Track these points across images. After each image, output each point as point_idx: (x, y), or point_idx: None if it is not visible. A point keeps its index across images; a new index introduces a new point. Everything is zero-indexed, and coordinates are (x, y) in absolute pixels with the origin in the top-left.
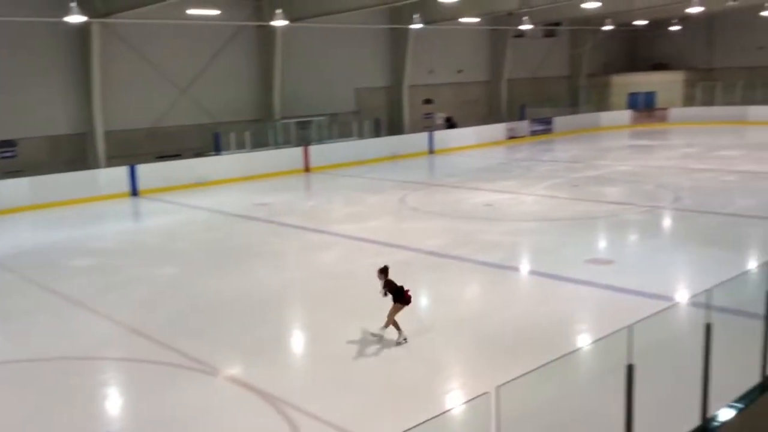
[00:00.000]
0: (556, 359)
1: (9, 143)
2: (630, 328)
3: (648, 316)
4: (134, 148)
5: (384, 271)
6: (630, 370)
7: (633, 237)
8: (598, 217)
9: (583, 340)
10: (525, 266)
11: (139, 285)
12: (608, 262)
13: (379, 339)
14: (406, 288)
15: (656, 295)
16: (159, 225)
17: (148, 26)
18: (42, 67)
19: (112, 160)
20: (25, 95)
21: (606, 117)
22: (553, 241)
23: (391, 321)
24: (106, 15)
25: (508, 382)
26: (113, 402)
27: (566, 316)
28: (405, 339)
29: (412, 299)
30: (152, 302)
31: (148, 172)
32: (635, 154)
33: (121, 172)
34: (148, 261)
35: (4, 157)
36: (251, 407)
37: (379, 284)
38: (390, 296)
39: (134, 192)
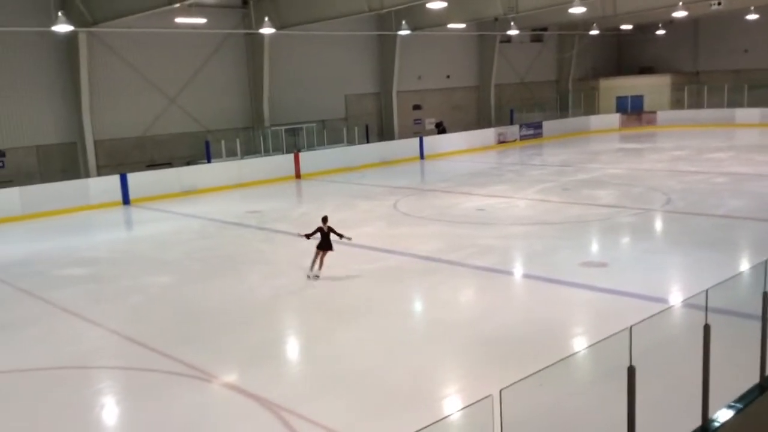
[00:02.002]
0: (558, 362)
1: None
2: (630, 330)
3: (647, 318)
4: (124, 157)
5: (324, 220)
6: (631, 372)
7: (626, 240)
8: (590, 220)
9: (580, 343)
10: (519, 270)
11: (133, 294)
12: (602, 264)
13: (316, 279)
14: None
15: (651, 297)
16: (151, 234)
17: (136, 35)
18: (30, 77)
19: (103, 169)
20: (13, 105)
21: (595, 121)
22: (547, 245)
23: (321, 262)
24: (94, 24)
25: (510, 385)
26: (109, 410)
27: (562, 319)
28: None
29: (333, 247)
30: (146, 311)
31: (139, 180)
32: (625, 157)
33: (112, 181)
34: (140, 270)
35: None
36: (248, 413)
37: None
38: (310, 240)
39: (126, 201)
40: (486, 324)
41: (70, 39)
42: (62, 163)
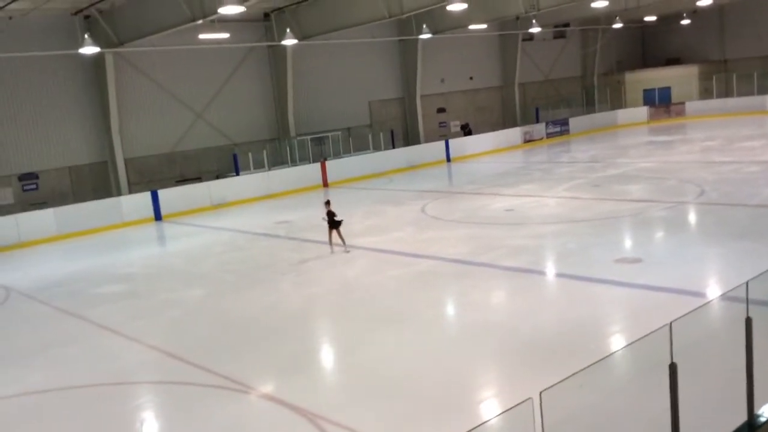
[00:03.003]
0: (598, 361)
1: (31, 176)
2: (670, 327)
3: (687, 313)
4: (155, 174)
5: (327, 203)
6: (673, 369)
7: (660, 234)
8: (623, 215)
9: (618, 342)
10: (552, 269)
11: (169, 308)
12: (637, 260)
13: (348, 251)
14: (338, 218)
15: (689, 291)
16: (184, 248)
17: (161, 53)
18: (59, 100)
19: (134, 187)
20: (44, 128)
21: (622, 115)
22: (580, 243)
23: (341, 239)
24: (119, 44)
25: (550, 387)
26: (150, 425)
27: (599, 317)
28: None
29: (342, 222)
30: (182, 324)
31: (170, 196)
32: (655, 150)
33: (143, 198)
34: (175, 284)
35: (27, 190)
36: (286, 422)
37: (323, 213)
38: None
39: (157, 217)
40: (521, 325)
41: (97, 60)
42: (94, 182)
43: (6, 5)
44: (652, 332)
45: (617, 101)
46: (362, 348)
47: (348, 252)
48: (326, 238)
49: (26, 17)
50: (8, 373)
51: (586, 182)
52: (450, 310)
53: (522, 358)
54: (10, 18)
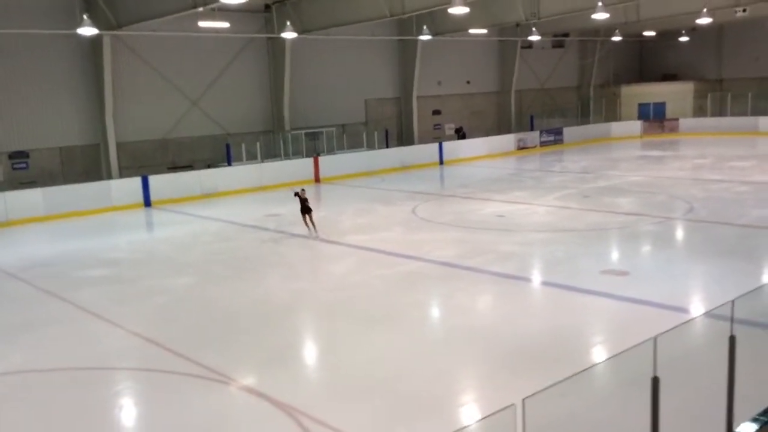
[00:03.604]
0: (582, 371)
1: (22, 154)
2: (654, 341)
3: (672, 328)
4: (146, 159)
5: (303, 191)
6: (655, 382)
7: (648, 248)
8: (611, 227)
9: (602, 353)
10: (539, 277)
11: (154, 295)
12: (623, 273)
13: (316, 237)
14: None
15: (673, 306)
16: (172, 235)
17: (160, 38)
18: (54, 79)
19: (125, 171)
20: (37, 106)
21: (616, 127)
22: (567, 252)
23: (313, 224)
24: (118, 27)
25: (534, 394)
26: (127, 412)
27: (583, 327)
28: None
29: (312, 209)
30: (167, 312)
31: (161, 183)
32: (647, 164)
33: (133, 183)
34: (161, 271)
35: (17, 168)
36: (266, 416)
37: (297, 200)
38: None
39: (147, 203)
40: (506, 331)
41: (95, 42)
42: (85, 164)
43: None
44: (636, 345)
45: (612, 114)
46: (346, 346)
47: (316, 238)
48: (307, 232)
49: None
50: None
51: (577, 192)
52: (436, 312)
53: (505, 364)
54: None
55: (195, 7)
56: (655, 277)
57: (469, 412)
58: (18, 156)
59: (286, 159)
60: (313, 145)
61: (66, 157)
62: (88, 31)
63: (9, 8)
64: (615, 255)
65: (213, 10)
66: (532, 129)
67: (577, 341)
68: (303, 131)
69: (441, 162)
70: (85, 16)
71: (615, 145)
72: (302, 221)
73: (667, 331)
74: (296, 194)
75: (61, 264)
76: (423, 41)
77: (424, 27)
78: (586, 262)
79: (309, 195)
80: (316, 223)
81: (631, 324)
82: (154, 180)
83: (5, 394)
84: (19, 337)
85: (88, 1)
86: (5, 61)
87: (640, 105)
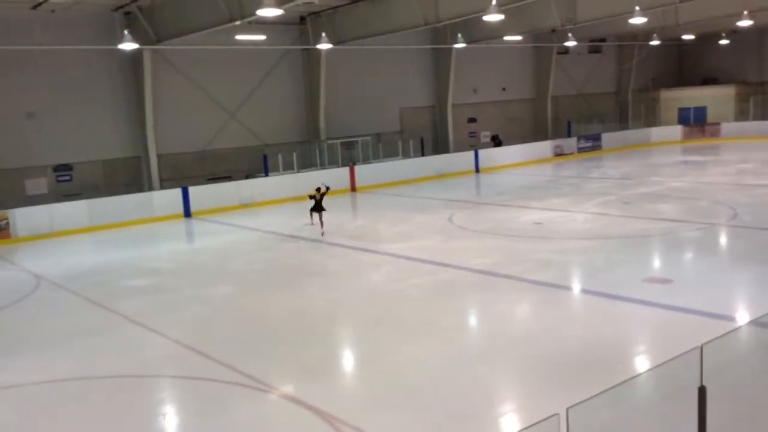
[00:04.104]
0: (626, 381)
1: (66, 167)
2: (701, 350)
3: (718, 337)
4: (186, 171)
5: (318, 190)
6: (702, 392)
7: (691, 255)
8: (653, 234)
9: (645, 362)
10: (579, 285)
11: (195, 304)
12: (666, 281)
13: (322, 234)
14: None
15: (718, 315)
16: (212, 245)
17: (198, 52)
18: (96, 93)
19: (165, 183)
20: (80, 120)
21: (656, 133)
22: (608, 260)
23: (321, 222)
24: (158, 42)
25: (578, 403)
26: (171, 419)
27: (626, 336)
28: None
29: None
30: (207, 321)
31: (200, 193)
32: (688, 170)
33: (174, 194)
34: (202, 281)
35: (61, 181)
36: (306, 424)
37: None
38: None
39: (187, 213)
40: (546, 340)
41: (135, 56)
42: (127, 176)
43: None
44: (682, 354)
45: (651, 119)
46: (384, 355)
47: (323, 235)
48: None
49: (68, 11)
50: (35, 360)
51: (617, 199)
52: (474, 321)
53: (547, 373)
54: (53, 11)
55: (232, 20)
56: (699, 285)
57: (511, 422)
58: (62, 169)
59: (322, 168)
60: (348, 155)
61: (108, 169)
62: (128, 46)
63: (52, 25)
64: (657, 262)
65: (250, 23)
66: (569, 135)
67: (621, 350)
68: (339, 141)
69: (477, 170)
70: (126, 32)
71: (655, 151)
72: (310, 215)
73: (713, 339)
74: (323, 190)
75: (106, 274)
76: (457, 49)
77: (459, 35)
78: (628, 270)
79: (346, 205)
80: (324, 223)
81: (676, 333)
82: (194, 191)
83: (53, 401)
84: (67, 346)
85: (129, 17)
86: (49, 77)
87: (680, 110)
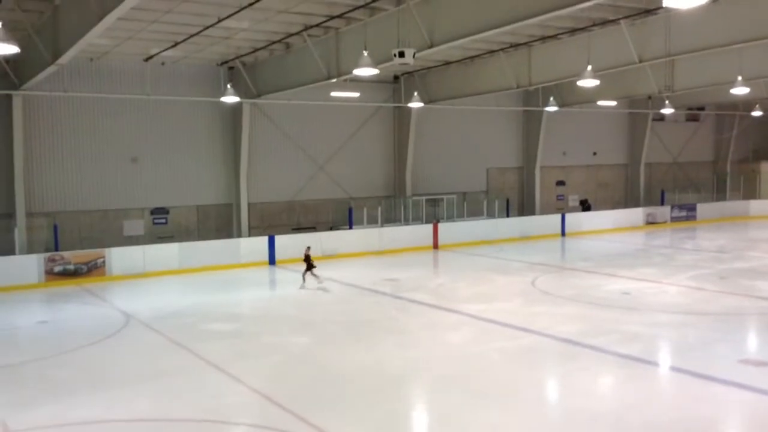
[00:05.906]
0: None
1: (162, 210)
2: None
3: None
4: (273, 220)
5: (308, 249)
6: None
7: None
8: (750, 313)
9: None
10: (668, 362)
11: (273, 352)
12: (764, 363)
13: (322, 282)
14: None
15: None
16: (293, 295)
17: (294, 106)
18: (196, 142)
19: (254, 231)
20: (179, 166)
21: (755, 206)
22: (700, 337)
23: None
24: (257, 96)
25: None
26: None
27: (719, 420)
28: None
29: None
30: (285, 370)
31: (285, 243)
32: None
33: (261, 242)
34: (281, 329)
35: (157, 223)
36: None
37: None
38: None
39: (272, 261)
40: (630, 418)
41: (235, 109)
42: (218, 222)
43: (160, 52)
44: None
45: (751, 191)
46: (458, 420)
47: (322, 283)
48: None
49: (177, 64)
50: (118, 396)
51: (712, 273)
52: (555, 392)
53: None
54: (163, 64)
55: (329, 78)
56: None
57: None
58: (159, 212)
59: (405, 224)
60: (433, 212)
61: (202, 214)
62: (231, 99)
63: (162, 78)
64: (755, 343)
65: (345, 80)
66: (662, 204)
67: None
68: (424, 197)
69: (563, 234)
70: (228, 86)
71: (753, 225)
72: (304, 275)
73: None
74: (306, 255)
75: (191, 316)
76: (548, 112)
77: (551, 98)
78: (722, 349)
79: (428, 262)
80: (319, 276)
81: None
82: (280, 240)
83: None
84: (146, 385)
85: (232, 72)
86: (154, 125)
87: None
